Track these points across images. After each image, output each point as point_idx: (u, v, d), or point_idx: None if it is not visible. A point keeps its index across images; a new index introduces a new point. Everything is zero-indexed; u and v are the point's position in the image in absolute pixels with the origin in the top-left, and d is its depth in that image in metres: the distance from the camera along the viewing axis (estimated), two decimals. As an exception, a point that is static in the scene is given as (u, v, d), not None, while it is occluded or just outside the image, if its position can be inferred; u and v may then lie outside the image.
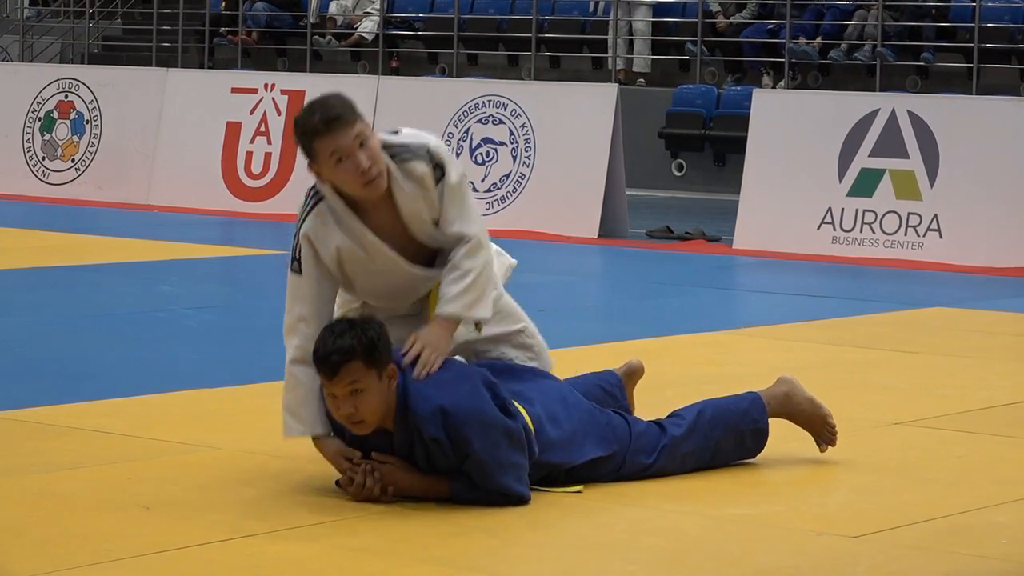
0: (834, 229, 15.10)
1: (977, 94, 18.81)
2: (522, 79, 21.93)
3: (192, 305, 11.78)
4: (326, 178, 6.63)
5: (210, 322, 10.99)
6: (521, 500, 6.51)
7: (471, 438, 6.42)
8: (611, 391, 7.48)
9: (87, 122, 18.89)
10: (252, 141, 17.86)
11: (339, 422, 6.49)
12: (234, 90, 18.42)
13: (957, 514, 6.70)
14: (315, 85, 18.14)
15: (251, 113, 17.94)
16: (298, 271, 6.89)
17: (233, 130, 17.90)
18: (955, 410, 8.73)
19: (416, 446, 6.50)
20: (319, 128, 6.52)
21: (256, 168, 17.76)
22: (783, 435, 8.12)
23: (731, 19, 22.21)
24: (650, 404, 8.75)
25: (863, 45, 20.86)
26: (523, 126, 16.64)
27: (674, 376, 9.66)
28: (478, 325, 6.97)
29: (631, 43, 22.78)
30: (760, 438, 7.31)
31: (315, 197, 6.88)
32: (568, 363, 9.86)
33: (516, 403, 6.68)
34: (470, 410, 6.46)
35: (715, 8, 22.31)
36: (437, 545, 6.04)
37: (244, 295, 12.92)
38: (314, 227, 6.86)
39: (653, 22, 22.84)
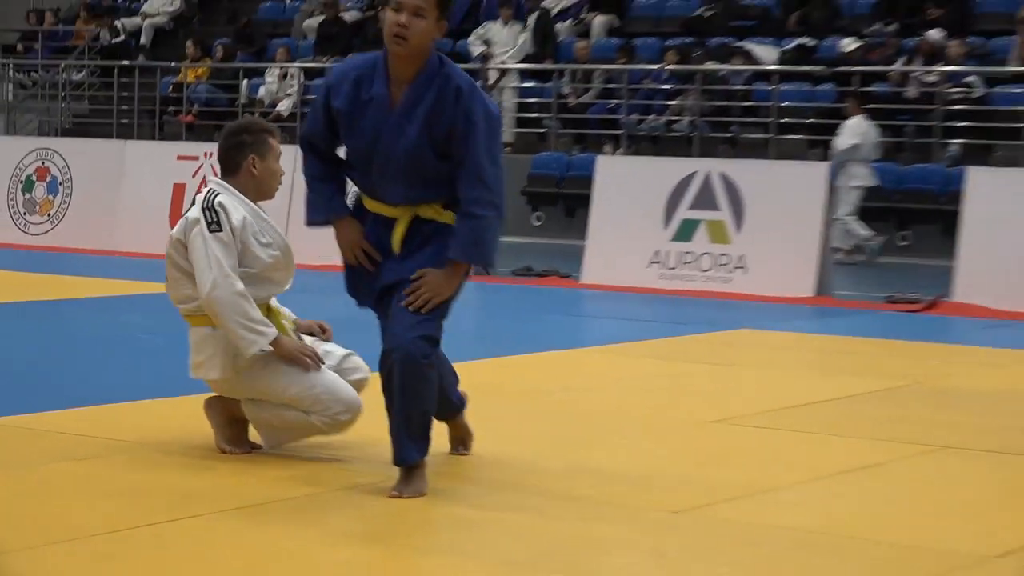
0: (661, 267, 15.18)
1: (775, 159, 18.97)
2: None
3: (149, 331, 11.71)
4: None
5: (163, 344, 10.90)
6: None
7: (480, 122, 6.35)
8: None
9: (60, 184, 18.77)
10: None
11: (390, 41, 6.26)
12: (179, 157, 18.32)
13: (758, 493, 6.76)
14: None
15: (193, 176, 17.82)
16: (219, 229, 6.90)
17: (179, 190, 17.79)
18: (757, 410, 8.79)
19: (425, 102, 6.34)
20: None
21: (198, 220, 17.69)
22: (617, 430, 8.17)
23: (579, 99, 22.31)
24: (520, 409, 8.79)
25: (684, 119, 21.01)
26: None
27: (537, 384, 9.69)
28: None
29: (499, 119, 22.80)
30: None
31: (213, 193, 7.05)
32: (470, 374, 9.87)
33: None
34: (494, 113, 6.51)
35: (567, 90, 22.40)
36: (418, 532, 6.02)
37: (188, 323, 12.81)
38: (226, 199, 6.98)
39: (517, 102, 22.91)
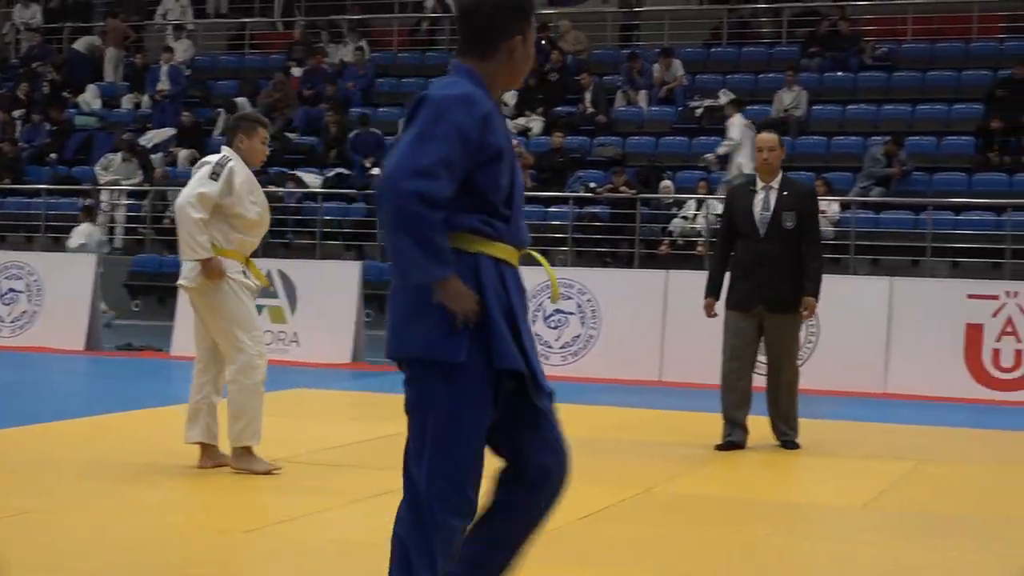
0: (234, 342, 15.01)
1: (320, 259, 18.97)
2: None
3: None
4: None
5: None
6: None
7: None
8: None
9: None
10: None
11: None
12: None
13: (311, 514, 6.66)
14: None
15: None
16: (215, 180, 7.49)
17: None
18: (310, 450, 8.68)
19: None
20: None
21: None
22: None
23: (168, 211, 21.84)
24: (109, 454, 8.45)
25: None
26: (35, 280, 15.97)
27: (133, 434, 9.35)
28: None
29: (112, 228, 22.21)
30: None
31: (227, 159, 7.60)
32: (75, 430, 9.46)
33: None
34: None
35: (146, 206, 21.91)
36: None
37: None
38: (235, 164, 7.56)
39: (126, 215, 22.35)
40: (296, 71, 24.66)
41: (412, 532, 4.00)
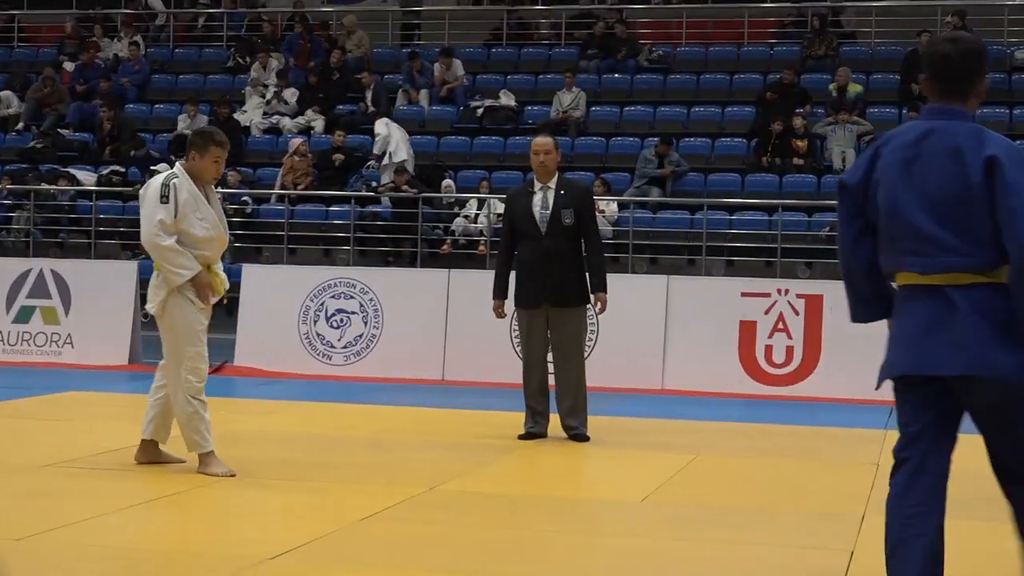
0: (3, 344, 14.56)
1: (95, 259, 18.46)
2: None
3: None
4: None
5: None
6: None
7: None
8: None
9: None
10: None
11: None
12: None
13: (89, 519, 6.48)
14: None
15: None
16: (166, 202, 7.58)
17: None
18: (84, 455, 8.43)
19: None
20: None
21: None
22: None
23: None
24: None
25: (21, 228, 20.16)
26: None
27: None
28: None
29: None
30: None
31: (173, 176, 7.70)
32: None
33: None
34: None
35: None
36: None
37: None
38: (178, 182, 7.64)
39: None
40: (68, 65, 24.01)
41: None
